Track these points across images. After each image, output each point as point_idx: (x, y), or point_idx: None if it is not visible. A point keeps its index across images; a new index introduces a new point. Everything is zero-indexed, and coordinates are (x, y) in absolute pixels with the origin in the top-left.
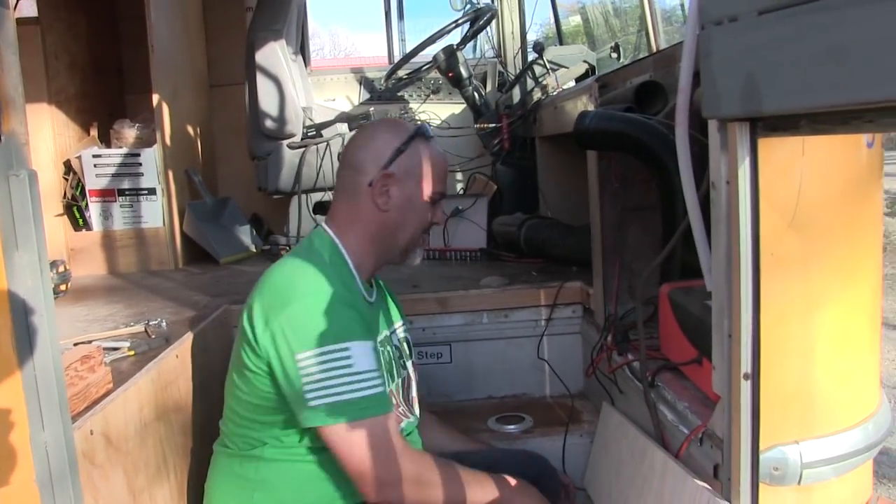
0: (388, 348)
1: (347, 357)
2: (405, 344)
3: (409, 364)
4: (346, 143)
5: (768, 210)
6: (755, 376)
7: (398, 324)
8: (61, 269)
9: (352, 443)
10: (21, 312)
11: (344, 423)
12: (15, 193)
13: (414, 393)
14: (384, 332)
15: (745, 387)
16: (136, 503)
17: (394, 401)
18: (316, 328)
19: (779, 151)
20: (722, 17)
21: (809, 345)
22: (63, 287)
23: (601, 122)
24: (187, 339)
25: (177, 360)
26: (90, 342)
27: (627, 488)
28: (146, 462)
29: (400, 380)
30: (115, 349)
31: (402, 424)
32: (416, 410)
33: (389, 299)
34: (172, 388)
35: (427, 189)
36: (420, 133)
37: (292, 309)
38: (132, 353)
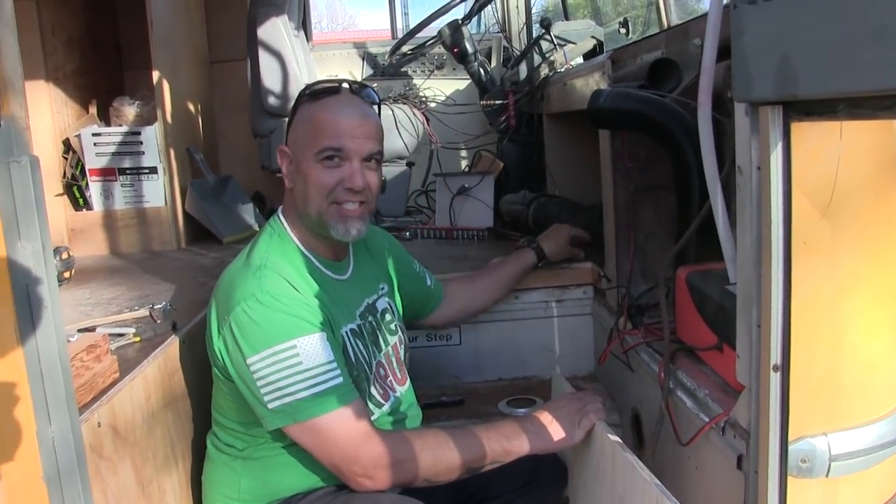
0: (370, 319)
1: (296, 355)
2: (392, 307)
3: (399, 327)
4: None
5: (799, 196)
6: (785, 368)
7: (383, 286)
8: (65, 255)
9: (317, 439)
10: (25, 304)
11: (304, 421)
12: (16, 181)
13: (403, 357)
14: (365, 303)
15: (775, 379)
16: (146, 494)
17: (383, 371)
18: (259, 330)
19: (811, 135)
20: None
21: (838, 334)
22: (67, 274)
23: (615, 100)
24: (193, 323)
25: (183, 346)
26: (94, 329)
27: (583, 473)
28: (154, 452)
29: (389, 347)
30: (121, 335)
31: (397, 393)
32: (408, 377)
33: (377, 259)
34: (179, 375)
35: (310, 149)
36: (304, 95)
37: (235, 314)
38: (138, 339)
